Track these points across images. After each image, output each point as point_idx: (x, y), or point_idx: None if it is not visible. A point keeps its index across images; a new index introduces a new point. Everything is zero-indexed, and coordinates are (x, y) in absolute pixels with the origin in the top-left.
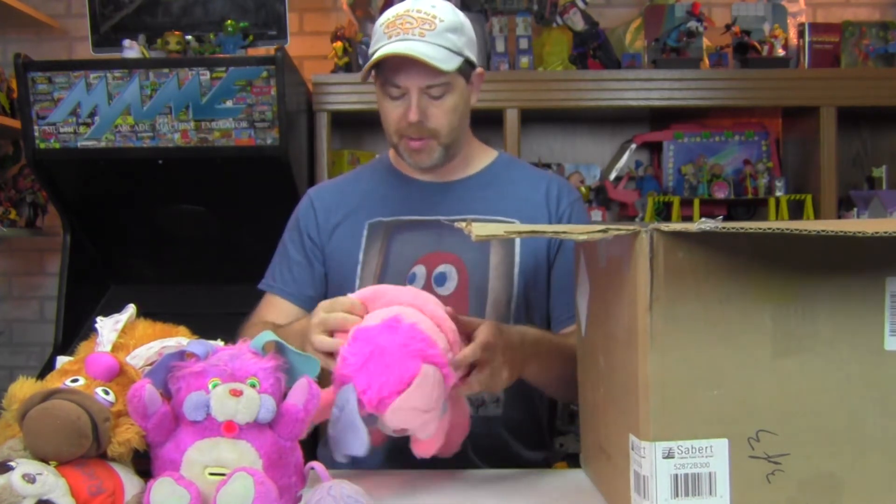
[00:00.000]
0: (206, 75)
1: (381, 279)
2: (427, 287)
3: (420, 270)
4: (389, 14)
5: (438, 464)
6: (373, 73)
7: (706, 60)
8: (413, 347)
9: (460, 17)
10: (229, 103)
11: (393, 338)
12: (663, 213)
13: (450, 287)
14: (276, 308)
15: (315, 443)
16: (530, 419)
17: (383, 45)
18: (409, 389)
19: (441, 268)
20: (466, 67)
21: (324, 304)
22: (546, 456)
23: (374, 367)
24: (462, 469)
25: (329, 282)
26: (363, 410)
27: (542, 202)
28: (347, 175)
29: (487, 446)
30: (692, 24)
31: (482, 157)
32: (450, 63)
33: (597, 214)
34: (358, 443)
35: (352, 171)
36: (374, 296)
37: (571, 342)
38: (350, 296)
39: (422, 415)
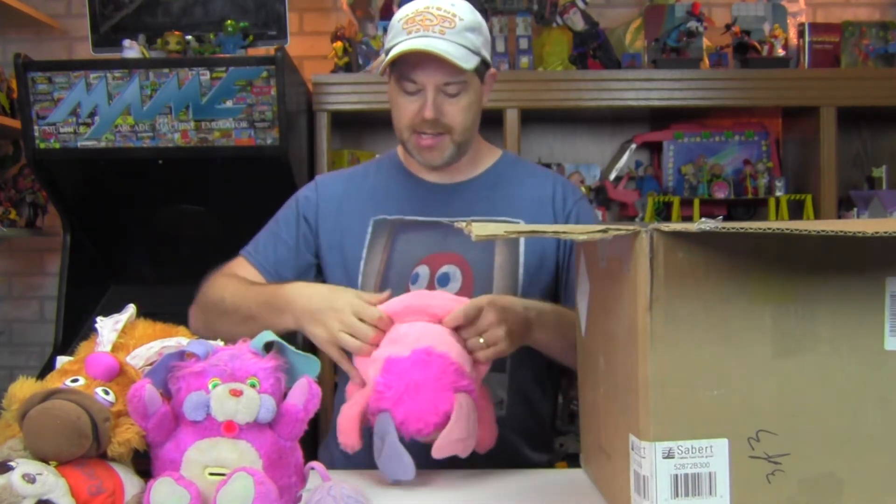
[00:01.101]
0: (206, 75)
1: (384, 277)
2: (430, 287)
3: (423, 270)
4: (408, 10)
5: (441, 464)
6: (387, 68)
7: (706, 60)
8: (446, 381)
9: (478, 17)
10: (229, 103)
11: (426, 372)
12: (663, 213)
13: (454, 287)
14: (247, 272)
15: (315, 443)
16: (534, 420)
17: (403, 41)
18: (449, 425)
19: (445, 268)
20: (482, 67)
21: (354, 303)
22: (549, 458)
23: (410, 401)
24: (465, 469)
25: (329, 275)
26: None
27: (548, 202)
28: (356, 168)
29: (496, 448)
30: (692, 24)
31: (487, 156)
32: (469, 62)
33: (597, 214)
34: (402, 469)
35: (360, 165)
36: (405, 312)
37: None
38: (381, 307)
39: (463, 442)
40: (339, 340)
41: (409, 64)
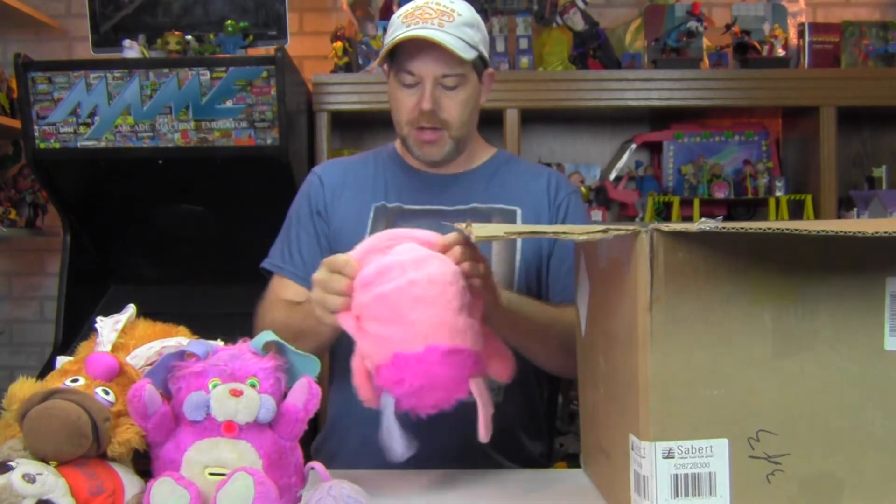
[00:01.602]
0: (206, 75)
1: None
2: None
3: None
4: (408, 6)
5: (445, 458)
6: (385, 65)
7: (706, 60)
8: (465, 374)
9: (476, 16)
10: (229, 103)
11: (444, 371)
12: (663, 213)
13: None
14: (290, 290)
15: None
16: (530, 409)
17: (401, 33)
18: (479, 413)
19: None
20: (480, 64)
21: (325, 261)
22: (545, 450)
23: (424, 396)
24: (469, 456)
25: None
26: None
27: (543, 192)
28: (355, 157)
29: (493, 434)
30: (692, 24)
31: (483, 152)
32: (467, 53)
33: (597, 214)
34: (395, 448)
35: (358, 155)
36: (372, 250)
37: (566, 315)
38: (348, 255)
39: (488, 410)
40: (324, 303)
41: (408, 55)
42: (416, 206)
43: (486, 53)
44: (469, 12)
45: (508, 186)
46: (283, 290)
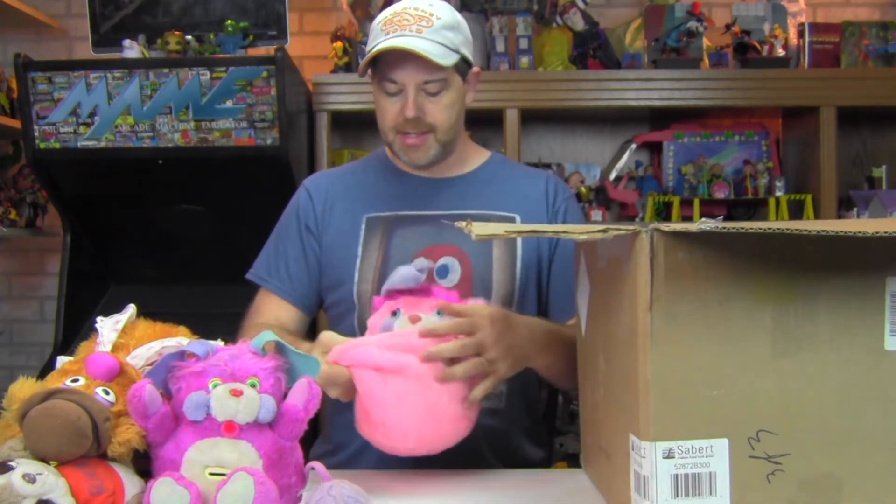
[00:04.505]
0: (206, 75)
1: (381, 272)
2: (429, 279)
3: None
4: (387, 13)
5: (448, 459)
6: (370, 71)
7: (706, 60)
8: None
9: (457, 17)
10: (229, 103)
11: None
12: (663, 213)
13: (453, 279)
14: (277, 307)
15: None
16: (531, 415)
17: (380, 42)
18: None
19: (443, 260)
20: (463, 65)
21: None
22: (545, 455)
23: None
24: (471, 463)
25: (325, 274)
26: None
27: (541, 198)
28: (344, 167)
29: (495, 439)
30: (692, 24)
31: (476, 156)
32: (447, 59)
33: (597, 214)
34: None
35: (348, 164)
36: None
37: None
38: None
39: None
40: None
41: (389, 64)
42: (411, 212)
43: (469, 54)
44: (449, 14)
45: (506, 192)
46: (268, 305)
